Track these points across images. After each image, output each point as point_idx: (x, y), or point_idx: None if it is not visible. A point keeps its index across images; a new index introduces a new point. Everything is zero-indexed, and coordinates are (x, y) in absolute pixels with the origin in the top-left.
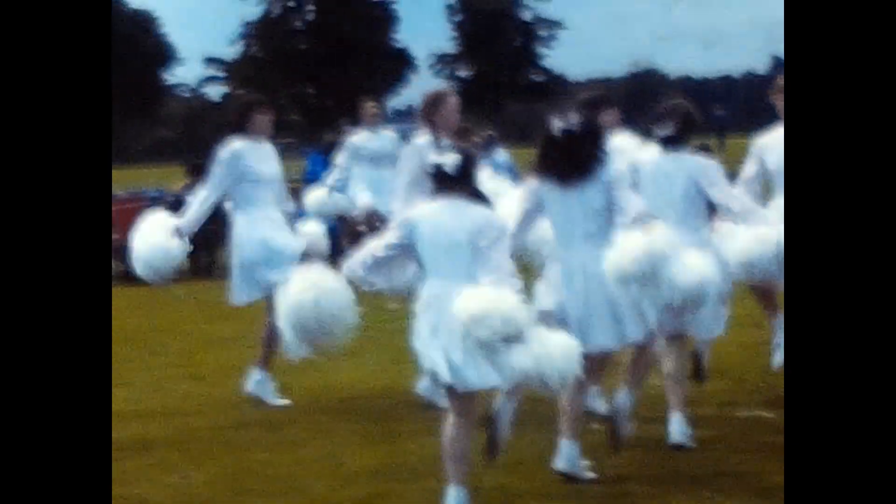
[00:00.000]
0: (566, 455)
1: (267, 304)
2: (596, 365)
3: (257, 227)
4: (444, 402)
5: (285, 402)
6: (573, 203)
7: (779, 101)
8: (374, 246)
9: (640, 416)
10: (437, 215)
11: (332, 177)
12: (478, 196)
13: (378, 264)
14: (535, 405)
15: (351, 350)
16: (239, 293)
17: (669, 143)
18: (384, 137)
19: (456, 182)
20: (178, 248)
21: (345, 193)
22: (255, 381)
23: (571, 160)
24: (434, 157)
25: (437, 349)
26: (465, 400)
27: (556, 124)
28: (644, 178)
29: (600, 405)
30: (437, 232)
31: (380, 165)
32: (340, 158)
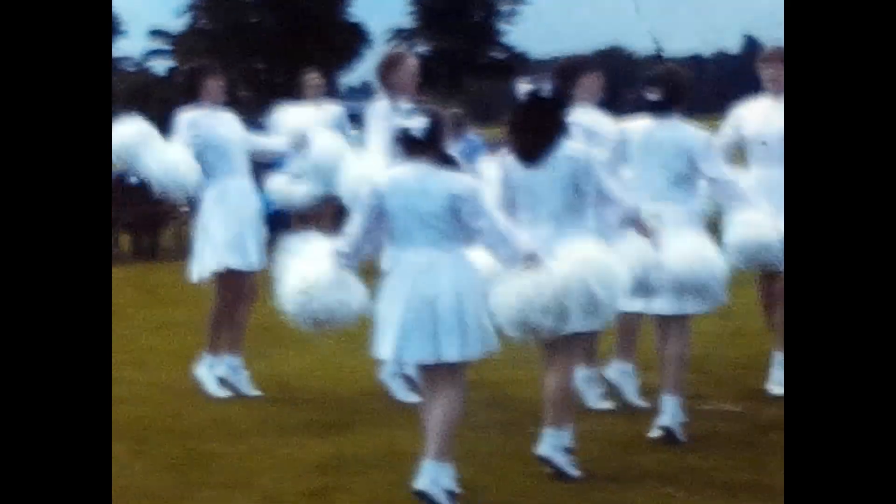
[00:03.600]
0: (549, 443)
1: (218, 285)
2: (580, 346)
3: (225, 202)
4: (401, 393)
5: (225, 393)
6: (538, 178)
7: (765, 71)
8: (350, 227)
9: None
10: (406, 182)
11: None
12: (448, 161)
13: (360, 242)
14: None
15: (299, 337)
16: (198, 269)
17: (658, 108)
18: (326, 111)
19: (424, 146)
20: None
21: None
22: (207, 367)
23: (535, 129)
24: (400, 121)
25: (409, 322)
26: (441, 374)
27: (523, 88)
28: (633, 147)
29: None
30: (409, 200)
31: None
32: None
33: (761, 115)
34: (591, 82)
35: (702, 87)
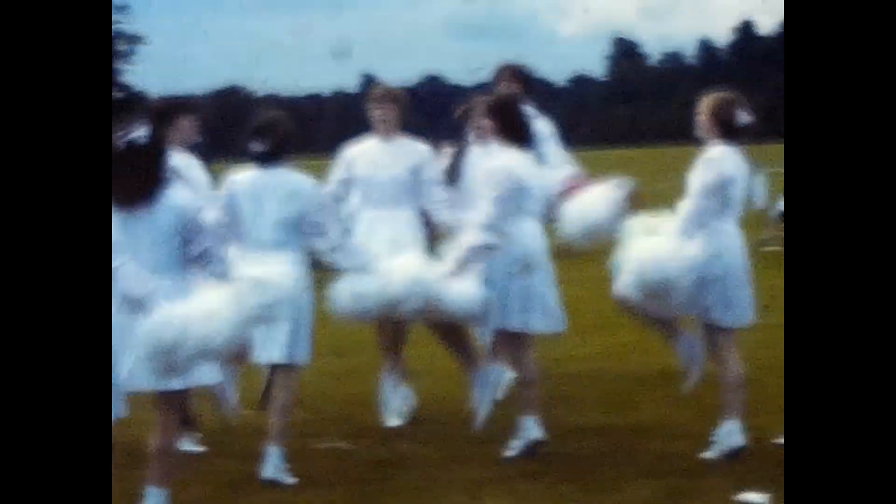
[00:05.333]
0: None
1: None
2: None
3: None
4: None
5: None
6: (140, 229)
7: (374, 111)
8: None
9: (229, 452)
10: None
11: None
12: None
13: None
14: None
15: None
16: None
17: (265, 159)
18: None
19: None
20: None
21: None
22: None
23: (135, 178)
24: (121, 133)
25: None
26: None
27: (120, 136)
28: (239, 199)
29: None
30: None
31: None
32: None
33: (370, 156)
34: (186, 125)
35: (322, 125)
